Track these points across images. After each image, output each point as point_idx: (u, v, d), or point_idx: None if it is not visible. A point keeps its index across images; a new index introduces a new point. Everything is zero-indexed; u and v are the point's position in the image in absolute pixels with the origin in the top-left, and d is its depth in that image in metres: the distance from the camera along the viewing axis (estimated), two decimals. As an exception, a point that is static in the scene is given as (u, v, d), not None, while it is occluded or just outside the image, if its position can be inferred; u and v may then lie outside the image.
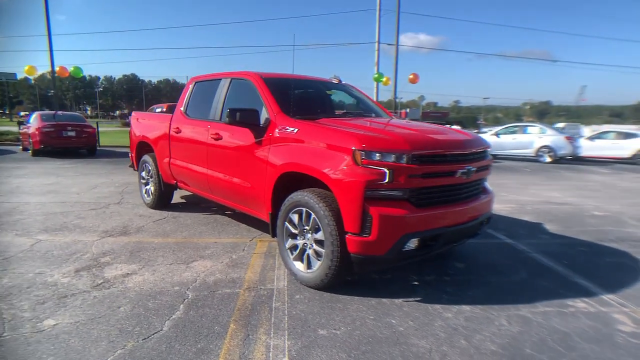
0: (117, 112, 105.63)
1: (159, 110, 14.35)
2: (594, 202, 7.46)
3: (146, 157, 5.94)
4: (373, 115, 4.51)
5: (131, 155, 6.66)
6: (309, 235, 3.32)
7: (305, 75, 5.04)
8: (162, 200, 5.91)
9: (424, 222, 2.98)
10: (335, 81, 4.98)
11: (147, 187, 6.10)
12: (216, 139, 4.31)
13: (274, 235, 3.74)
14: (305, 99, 4.29)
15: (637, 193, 8.73)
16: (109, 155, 14.66)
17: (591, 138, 17.16)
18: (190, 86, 5.18)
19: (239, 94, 4.49)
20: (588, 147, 16.47)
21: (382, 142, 2.97)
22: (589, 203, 7.31)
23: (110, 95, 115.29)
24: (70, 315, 2.78)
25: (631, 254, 4.37)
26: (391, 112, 5.38)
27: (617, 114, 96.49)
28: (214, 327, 2.67)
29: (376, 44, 24.53)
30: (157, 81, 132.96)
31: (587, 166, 14.82)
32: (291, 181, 3.53)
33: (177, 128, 5.08)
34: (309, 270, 3.30)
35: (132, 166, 6.75)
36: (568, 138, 15.28)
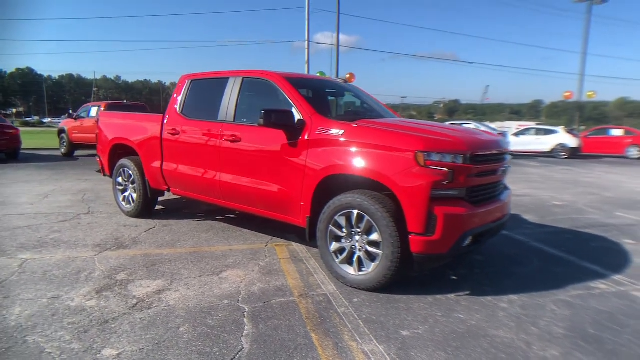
0: (13, 110, 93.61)
1: (95, 109, 13.13)
2: (546, 193, 8.34)
3: (125, 162, 5.42)
4: (389, 116, 4.58)
5: (100, 160, 6.03)
6: (358, 237, 3.32)
7: (308, 75, 4.97)
8: (147, 208, 5.45)
9: (479, 219, 3.13)
10: (341, 82, 4.98)
11: (126, 194, 5.58)
12: (232, 141, 4.08)
13: (310, 239, 3.67)
14: (327, 100, 4.22)
15: (575, 183, 9.91)
16: (35, 159, 13.04)
17: (516, 134, 19.10)
18: (185, 85, 4.83)
19: (254, 94, 4.32)
20: (514, 143, 18.28)
21: (443, 144, 3.06)
22: (543, 194, 8.16)
23: (1, 91, 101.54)
24: (129, 342, 2.48)
25: (609, 238, 4.99)
26: None
27: (516, 112, 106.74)
28: (297, 339, 2.56)
29: (306, 42, 24.85)
30: (59, 76, 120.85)
31: (517, 160, 16.46)
32: (328, 184, 3.48)
33: (174, 129, 4.71)
34: (360, 273, 3.29)
35: (101, 171, 6.11)
36: (500, 135, 16.81)
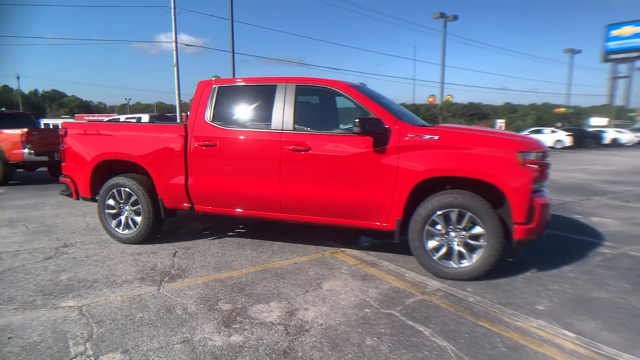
0: None
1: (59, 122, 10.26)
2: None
3: (121, 180, 4.66)
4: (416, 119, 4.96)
5: (69, 180, 5.01)
6: (454, 233, 3.66)
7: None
8: (154, 232, 4.78)
9: (550, 208, 3.79)
10: None
11: (121, 217, 4.79)
12: (298, 151, 3.97)
13: (398, 240, 3.86)
14: (391, 106, 4.37)
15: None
16: None
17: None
18: (211, 92, 4.43)
19: (311, 102, 4.26)
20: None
21: (531, 145, 3.62)
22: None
23: None
24: (342, 365, 2.37)
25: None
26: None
27: None
28: (475, 329, 2.79)
29: (174, 44, 23.78)
30: None
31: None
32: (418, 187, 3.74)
33: (207, 140, 4.29)
34: (462, 265, 3.64)
35: (72, 194, 5.07)
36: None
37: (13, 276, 3.76)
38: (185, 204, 4.55)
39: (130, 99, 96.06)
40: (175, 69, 24.68)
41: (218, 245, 4.72)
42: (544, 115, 74.76)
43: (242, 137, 4.23)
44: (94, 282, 3.63)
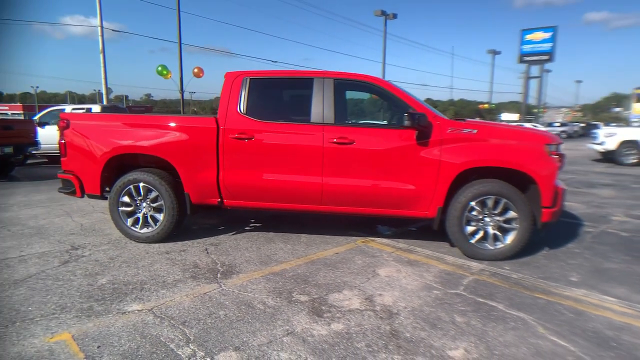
0: None
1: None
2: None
3: (140, 176, 4.39)
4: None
5: (72, 177, 4.59)
6: (488, 218, 4.03)
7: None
8: (176, 229, 4.57)
9: (565, 194, 4.32)
10: None
11: (138, 215, 4.51)
12: (342, 144, 4.07)
13: (438, 228, 4.14)
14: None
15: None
16: None
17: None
18: (242, 84, 4.33)
19: (348, 96, 4.35)
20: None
21: (555, 138, 4.08)
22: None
23: None
24: (454, 339, 2.58)
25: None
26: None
27: None
28: (537, 301, 3.16)
29: (99, 29, 22.06)
30: None
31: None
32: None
33: (242, 133, 4.20)
34: (496, 247, 4.02)
35: (75, 191, 4.63)
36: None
37: (41, 283, 3.40)
38: (214, 199, 4.41)
39: (37, 87, 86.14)
40: (101, 55, 22.80)
41: (245, 240, 4.64)
42: (461, 111, 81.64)
43: (280, 130, 4.21)
44: (142, 283, 3.43)
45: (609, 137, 13.48)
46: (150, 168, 4.50)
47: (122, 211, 4.50)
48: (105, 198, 4.66)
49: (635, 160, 12.86)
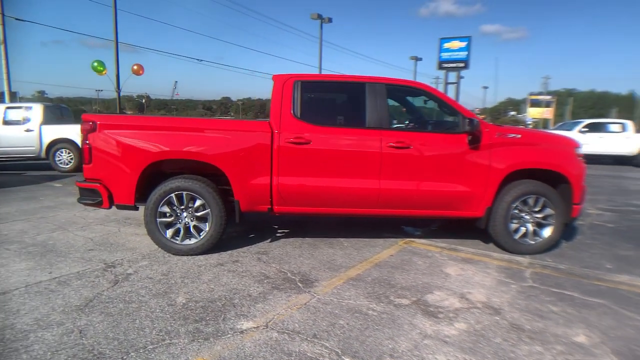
0: None
1: None
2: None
3: (184, 184, 4.06)
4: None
5: (98, 185, 4.10)
6: (527, 216, 4.43)
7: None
8: (218, 240, 4.30)
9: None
10: None
11: (179, 225, 4.17)
12: (399, 148, 4.17)
13: (485, 226, 4.43)
14: None
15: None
16: None
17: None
18: (294, 87, 4.23)
19: (398, 102, 4.46)
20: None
21: (579, 143, 4.60)
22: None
23: None
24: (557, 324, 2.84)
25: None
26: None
27: (209, 108, 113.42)
28: (621, 293, 3.57)
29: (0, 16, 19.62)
30: None
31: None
32: None
33: (299, 137, 4.11)
34: (537, 241, 4.43)
35: (99, 202, 4.13)
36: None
37: (112, 307, 3.02)
38: (264, 206, 4.24)
39: None
40: (2, 46, 20.11)
41: (290, 247, 4.53)
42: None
43: (337, 135, 4.19)
44: (228, 299, 3.20)
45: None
46: (195, 175, 4.18)
47: (161, 222, 4.12)
48: (136, 209, 4.24)
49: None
